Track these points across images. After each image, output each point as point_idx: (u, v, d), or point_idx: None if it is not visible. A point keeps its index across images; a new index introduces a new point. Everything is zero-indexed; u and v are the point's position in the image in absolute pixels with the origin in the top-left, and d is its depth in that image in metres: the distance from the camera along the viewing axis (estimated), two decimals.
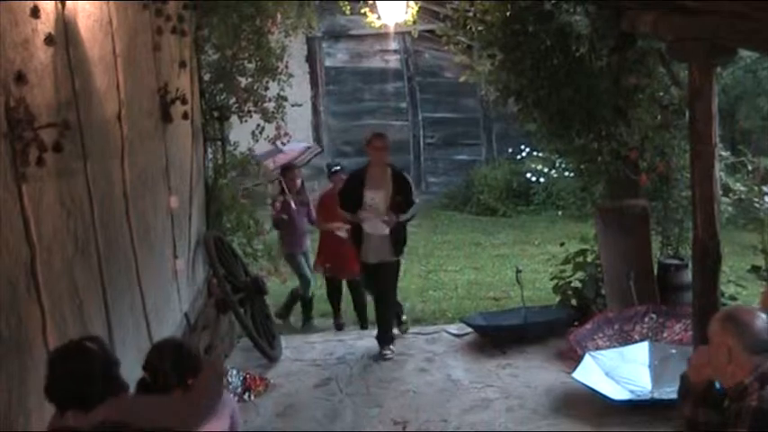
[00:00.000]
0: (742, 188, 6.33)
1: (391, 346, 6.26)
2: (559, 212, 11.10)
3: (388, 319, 6.34)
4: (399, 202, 6.03)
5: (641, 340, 5.59)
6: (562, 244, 7.27)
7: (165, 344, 3.24)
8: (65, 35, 3.57)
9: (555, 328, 6.41)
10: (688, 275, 5.78)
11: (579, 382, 5.23)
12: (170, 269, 5.28)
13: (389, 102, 12.60)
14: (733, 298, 6.12)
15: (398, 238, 6.10)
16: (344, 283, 7.03)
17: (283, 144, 7.39)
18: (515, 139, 11.69)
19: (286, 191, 7.06)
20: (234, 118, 6.81)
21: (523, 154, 11.94)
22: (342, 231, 6.60)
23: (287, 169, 7.32)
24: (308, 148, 9.62)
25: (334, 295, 7.11)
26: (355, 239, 6.22)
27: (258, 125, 6.92)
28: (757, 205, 6.45)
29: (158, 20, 4.89)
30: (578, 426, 5.01)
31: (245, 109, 6.74)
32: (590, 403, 5.13)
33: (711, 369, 2.53)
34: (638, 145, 6.20)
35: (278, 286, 7.09)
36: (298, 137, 8.80)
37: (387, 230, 6.00)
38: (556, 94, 6.08)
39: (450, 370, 6.04)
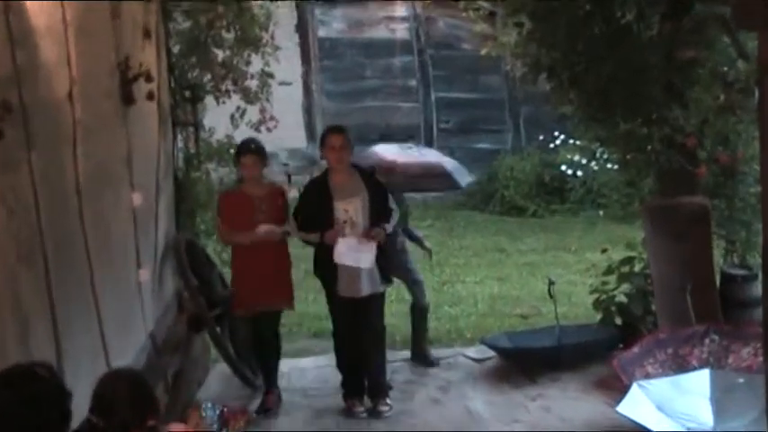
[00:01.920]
0: None
1: (388, 400, 5.96)
2: (600, 212, 11.09)
3: (383, 364, 6.01)
4: (378, 211, 5.72)
5: (700, 367, 5.55)
6: (604, 250, 7.27)
7: (118, 376, 3.19)
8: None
9: (595, 352, 6.41)
10: (757, 288, 5.74)
11: (625, 416, 5.19)
12: (132, 280, 5.27)
13: (396, 79, 12.61)
14: None
15: (388, 259, 5.80)
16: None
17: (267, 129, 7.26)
18: (547, 125, 11.68)
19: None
20: (209, 99, 6.81)
21: (557, 142, 11.93)
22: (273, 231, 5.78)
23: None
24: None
25: (260, 348, 6.09)
26: (324, 267, 5.72)
27: (238, 108, 6.93)
28: None
29: None
30: None
31: (223, 88, 6.75)
32: None
33: None
34: (696, 130, 6.17)
35: None
36: (286, 122, 8.79)
37: (372, 259, 5.64)
38: (596, 71, 6.04)
39: (468, 401, 6.04)
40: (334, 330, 6.04)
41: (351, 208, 5.74)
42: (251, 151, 5.96)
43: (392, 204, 5.92)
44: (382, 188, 5.92)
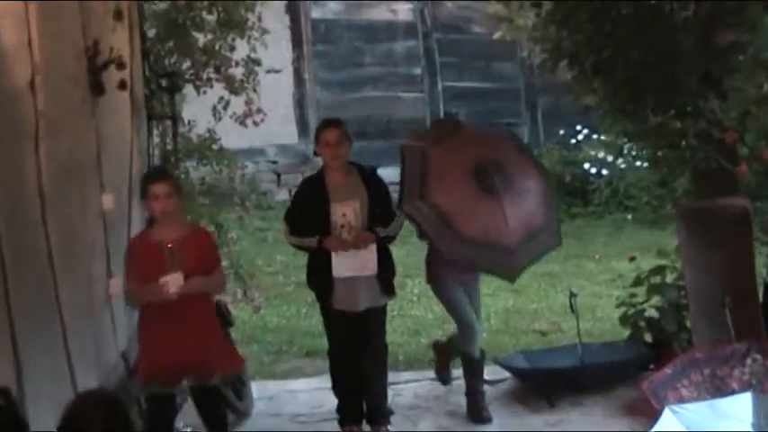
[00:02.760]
0: None
1: (389, 426, 5.91)
2: (629, 216, 11.10)
3: (384, 387, 5.96)
4: (378, 216, 5.68)
5: (741, 390, 5.54)
6: (632, 259, 7.28)
7: (92, 398, 3.19)
8: None
9: (622, 373, 6.42)
10: None
11: None
12: (102, 292, 5.26)
13: (399, 67, 12.62)
14: None
15: (387, 269, 5.74)
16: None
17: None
18: (568, 118, 11.69)
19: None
20: (188, 88, 6.82)
21: (579, 137, 11.93)
22: (174, 285, 4.85)
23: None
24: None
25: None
26: (317, 277, 5.72)
27: (221, 98, 6.95)
28: None
29: None
30: None
31: (204, 76, 6.77)
32: None
33: None
34: (737, 124, 6.16)
35: (248, 316, 7.08)
36: (275, 114, 8.80)
37: (375, 262, 5.63)
38: (624, 57, 6.05)
39: (480, 428, 6.02)
40: (330, 348, 6.02)
41: (348, 211, 5.71)
42: (163, 177, 5.14)
43: (395, 209, 5.90)
44: (384, 189, 5.90)
